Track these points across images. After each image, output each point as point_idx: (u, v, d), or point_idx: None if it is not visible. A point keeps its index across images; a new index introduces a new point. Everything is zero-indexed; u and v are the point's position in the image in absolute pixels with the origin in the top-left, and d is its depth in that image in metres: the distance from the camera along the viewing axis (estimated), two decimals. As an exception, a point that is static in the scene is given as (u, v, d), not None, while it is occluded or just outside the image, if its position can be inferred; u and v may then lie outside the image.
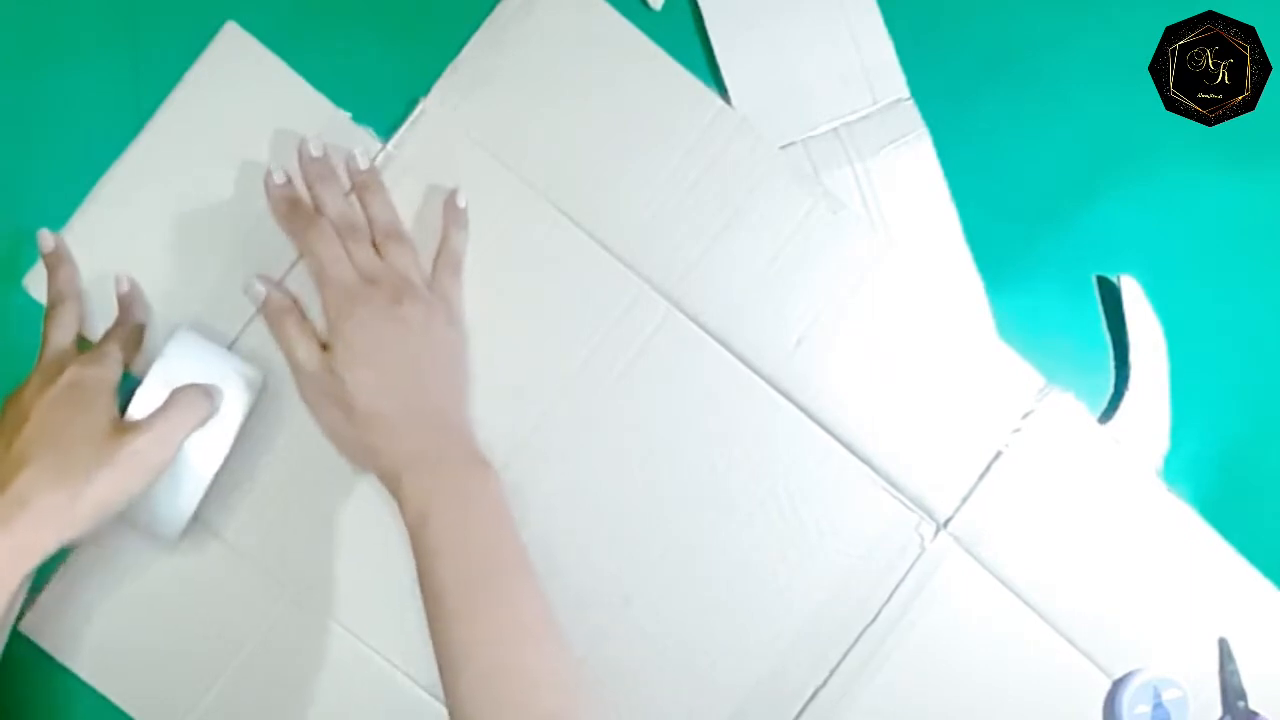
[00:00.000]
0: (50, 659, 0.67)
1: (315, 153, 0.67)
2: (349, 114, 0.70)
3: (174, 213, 0.68)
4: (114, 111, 0.69)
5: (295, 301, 0.67)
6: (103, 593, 0.67)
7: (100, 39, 0.70)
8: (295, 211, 0.67)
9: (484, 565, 0.60)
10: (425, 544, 0.60)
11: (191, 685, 0.67)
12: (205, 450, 0.62)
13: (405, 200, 0.69)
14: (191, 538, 0.67)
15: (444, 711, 0.67)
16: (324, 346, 0.65)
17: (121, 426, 0.59)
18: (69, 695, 0.67)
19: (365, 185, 0.68)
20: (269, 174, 0.67)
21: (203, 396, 0.62)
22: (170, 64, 0.69)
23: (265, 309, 0.67)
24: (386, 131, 0.70)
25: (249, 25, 0.69)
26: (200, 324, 0.67)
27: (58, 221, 0.68)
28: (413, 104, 0.70)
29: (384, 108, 0.70)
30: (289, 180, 0.67)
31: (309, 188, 0.68)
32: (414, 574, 0.61)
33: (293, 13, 0.71)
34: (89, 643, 0.67)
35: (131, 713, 0.67)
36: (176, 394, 0.61)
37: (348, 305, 0.64)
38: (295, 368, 0.65)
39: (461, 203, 0.69)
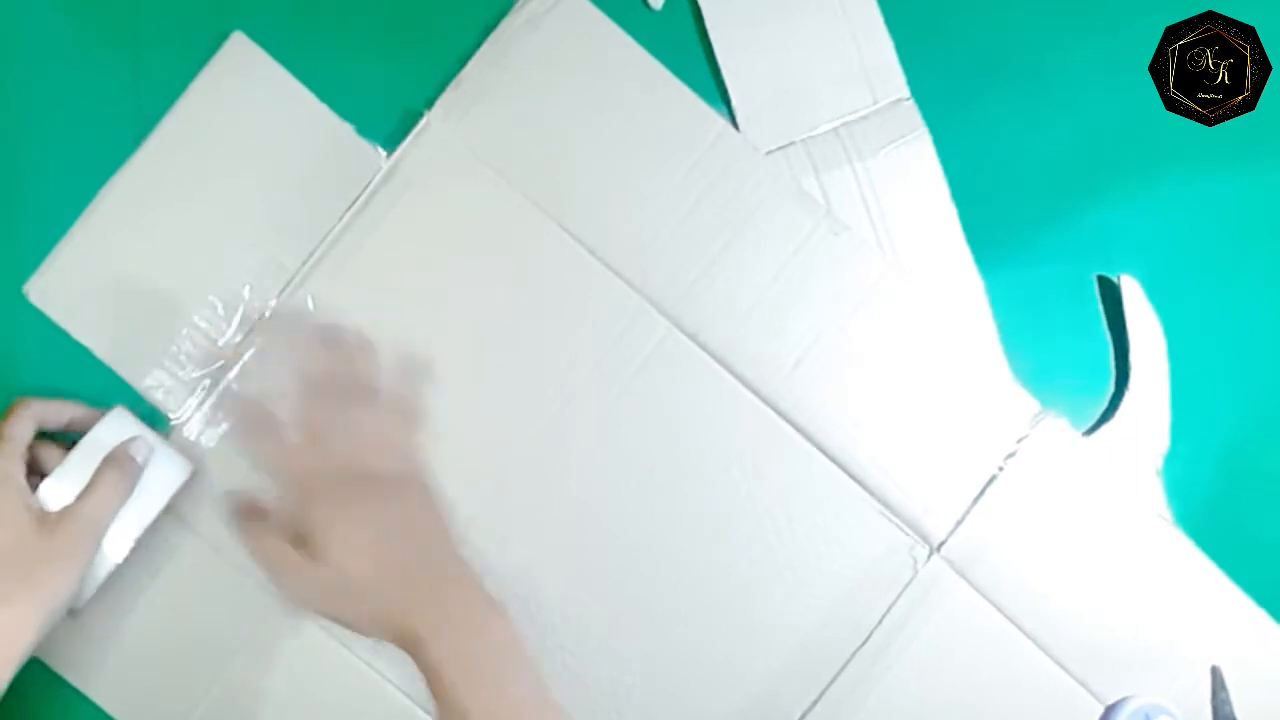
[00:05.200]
0: (44, 666, 0.67)
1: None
2: (352, 126, 0.70)
3: (177, 223, 0.68)
4: (115, 120, 0.69)
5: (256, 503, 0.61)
6: (97, 601, 0.65)
7: (101, 47, 0.70)
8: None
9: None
10: (445, 705, 0.56)
11: (185, 695, 0.68)
12: (117, 533, 0.61)
13: (406, 214, 0.69)
14: (187, 548, 0.67)
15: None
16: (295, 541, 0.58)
17: (44, 520, 0.57)
18: (63, 704, 0.67)
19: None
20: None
21: (123, 474, 0.60)
22: (171, 73, 0.69)
23: (236, 521, 0.60)
24: (390, 144, 0.70)
25: (253, 36, 0.69)
26: (195, 337, 0.68)
27: (59, 230, 0.68)
28: (416, 117, 0.70)
29: (387, 121, 0.70)
30: None
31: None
32: None
33: (297, 24, 0.71)
34: (82, 651, 0.67)
35: (124, 721, 0.68)
36: (99, 473, 0.59)
37: (307, 504, 0.57)
38: (277, 571, 0.58)
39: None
